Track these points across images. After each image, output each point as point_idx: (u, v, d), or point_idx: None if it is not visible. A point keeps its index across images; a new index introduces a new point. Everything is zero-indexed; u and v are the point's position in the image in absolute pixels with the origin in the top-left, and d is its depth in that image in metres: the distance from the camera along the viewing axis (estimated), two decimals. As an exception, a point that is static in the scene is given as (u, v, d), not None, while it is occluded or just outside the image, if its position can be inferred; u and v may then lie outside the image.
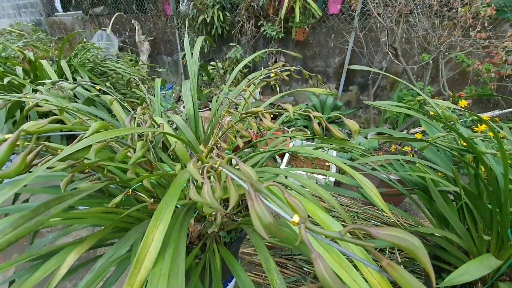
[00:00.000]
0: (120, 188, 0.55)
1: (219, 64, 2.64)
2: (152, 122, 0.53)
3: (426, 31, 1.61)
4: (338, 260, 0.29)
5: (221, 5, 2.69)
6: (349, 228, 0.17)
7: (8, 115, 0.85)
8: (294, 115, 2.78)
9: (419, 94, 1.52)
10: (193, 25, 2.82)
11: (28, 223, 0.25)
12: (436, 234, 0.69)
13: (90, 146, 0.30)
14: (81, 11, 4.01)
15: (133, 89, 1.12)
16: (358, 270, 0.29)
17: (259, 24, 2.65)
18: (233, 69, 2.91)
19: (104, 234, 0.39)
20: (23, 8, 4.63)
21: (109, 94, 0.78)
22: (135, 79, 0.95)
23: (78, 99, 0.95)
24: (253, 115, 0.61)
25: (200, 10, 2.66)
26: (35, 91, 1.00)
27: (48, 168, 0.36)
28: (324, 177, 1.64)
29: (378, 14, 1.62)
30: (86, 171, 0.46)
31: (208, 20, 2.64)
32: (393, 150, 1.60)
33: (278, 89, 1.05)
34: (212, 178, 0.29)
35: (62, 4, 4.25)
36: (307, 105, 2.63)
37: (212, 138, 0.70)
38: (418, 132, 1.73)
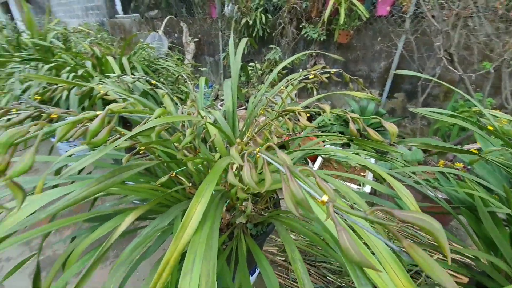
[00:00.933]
0: (165, 171, 0.62)
1: (258, 65, 2.70)
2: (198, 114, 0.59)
3: (488, 37, 1.44)
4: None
5: (264, 8, 2.75)
6: (373, 209, 0.18)
7: (79, 102, 1.01)
8: (330, 119, 2.69)
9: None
10: (236, 28, 2.93)
11: (99, 185, 0.31)
12: (481, 259, 0.62)
13: (153, 127, 0.36)
14: (138, 14, 4.46)
15: (179, 85, 1.22)
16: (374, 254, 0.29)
17: (300, 26, 2.65)
18: (271, 70, 2.95)
19: (152, 205, 0.45)
20: (90, 10, 5.31)
21: (161, 89, 0.86)
22: (183, 77, 1.04)
23: (134, 92, 1.07)
24: (289, 115, 0.63)
25: (244, 13, 2.75)
26: (102, 83, 1.16)
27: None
28: (358, 187, 1.57)
29: (433, 16, 1.50)
30: (141, 152, 0.53)
31: (251, 22, 2.72)
32: (441, 165, 1.46)
33: (315, 92, 1.04)
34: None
35: (123, 7, 4.78)
36: (345, 110, 2.53)
37: (248, 134, 0.73)
38: (473, 149, 1.55)
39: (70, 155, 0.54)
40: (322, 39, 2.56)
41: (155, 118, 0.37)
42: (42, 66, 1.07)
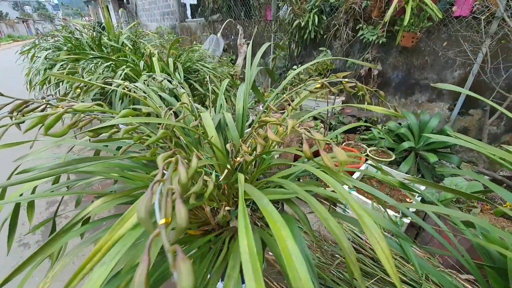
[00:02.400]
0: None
1: (299, 69, 2.58)
2: (190, 116, 0.58)
3: None
4: None
5: (319, 8, 2.61)
6: None
7: (121, 96, 1.14)
8: (379, 132, 2.39)
9: None
10: (287, 30, 2.88)
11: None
12: None
13: (112, 126, 0.36)
14: (203, 18, 4.84)
15: (212, 86, 1.26)
16: None
17: (357, 27, 2.42)
18: (319, 74, 2.79)
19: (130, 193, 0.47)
20: (166, 15, 6.02)
21: (183, 89, 0.89)
22: (207, 78, 1.06)
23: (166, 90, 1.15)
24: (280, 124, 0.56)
25: (297, 14, 2.67)
26: (146, 80, 1.28)
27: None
28: (397, 214, 1.34)
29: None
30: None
31: (303, 24, 2.63)
32: (508, 207, 1.12)
33: (368, 99, 0.91)
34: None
35: (191, 12, 5.27)
36: (399, 124, 2.20)
37: (251, 140, 0.69)
38: None
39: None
40: (381, 41, 2.28)
41: (120, 117, 0.37)
42: (101, 63, 1.26)
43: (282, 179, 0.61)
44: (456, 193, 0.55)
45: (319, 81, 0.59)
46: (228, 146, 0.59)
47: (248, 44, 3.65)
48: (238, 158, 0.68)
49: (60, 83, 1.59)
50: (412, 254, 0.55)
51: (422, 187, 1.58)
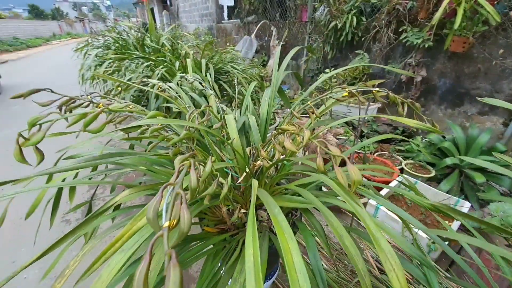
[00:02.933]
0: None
1: (332, 73, 2.48)
2: (214, 118, 0.59)
3: None
4: None
5: (359, 9, 2.49)
6: None
7: (155, 95, 1.22)
8: (418, 145, 2.22)
9: None
10: (323, 31, 2.80)
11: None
12: None
13: (140, 126, 0.39)
14: (238, 19, 4.95)
15: (240, 88, 1.28)
16: None
17: (400, 30, 2.25)
18: (354, 78, 2.66)
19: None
20: (204, 17, 6.27)
21: (211, 90, 0.92)
22: (235, 80, 1.08)
23: (196, 90, 1.19)
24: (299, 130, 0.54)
25: (334, 16, 2.58)
26: (179, 80, 1.34)
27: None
28: (429, 238, 1.22)
29: None
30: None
31: (339, 26, 2.53)
32: None
33: (404, 108, 0.86)
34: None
35: (228, 14, 5.41)
36: (443, 137, 2.00)
37: (272, 145, 0.68)
38: None
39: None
40: (427, 45, 2.10)
41: (148, 118, 0.40)
42: (142, 63, 1.36)
43: (299, 187, 0.59)
44: (486, 225, 0.48)
45: (347, 89, 0.56)
46: (248, 150, 0.60)
47: (281, 45, 3.64)
48: (258, 162, 0.68)
49: (107, 79, 1.76)
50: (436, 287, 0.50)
51: (465, 208, 1.41)
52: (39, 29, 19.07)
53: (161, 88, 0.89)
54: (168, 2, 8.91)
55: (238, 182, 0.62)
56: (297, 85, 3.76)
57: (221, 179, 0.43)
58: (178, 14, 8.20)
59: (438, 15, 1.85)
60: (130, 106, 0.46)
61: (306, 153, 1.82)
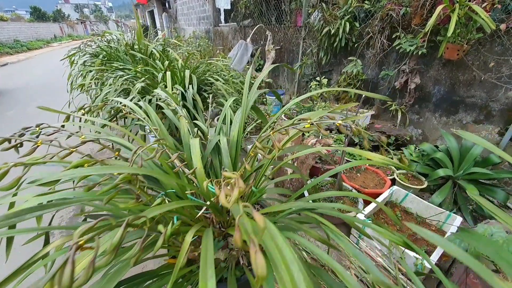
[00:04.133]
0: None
1: (324, 81, 2.44)
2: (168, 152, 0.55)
3: None
4: None
5: (352, 15, 2.45)
6: None
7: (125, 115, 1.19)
8: (411, 154, 2.16)
9: None
10: (316, 37, 2.76)
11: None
12: None
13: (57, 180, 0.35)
14: (235, 23, 4.91)
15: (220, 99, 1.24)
16: None
17: (393, 36, 2.21)
18: (348, 84, 2.62)
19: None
20: (201, 20, 6.25)
21: (181, 112, 0.88)
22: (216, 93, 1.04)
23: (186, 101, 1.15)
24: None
25: (327, 21, 2.54)
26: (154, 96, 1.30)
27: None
28: (418, 256, 1.17)
29: None
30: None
31: (333, 31, 2.49)
32: None
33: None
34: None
35: (225, 17, 5.38)
36: (436, 147, 1.95)
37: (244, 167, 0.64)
38: None
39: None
40: (420, 53, 2.05)
41: (71, 167, 0.36)
42: (120, 76, 1.33)
43: (266, 215, 0.55)
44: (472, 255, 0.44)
45: (309, 121, 0.52)
46: (215, 182, 0.56)
47: (276, 49, 3.60)
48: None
49: (93, 88, 1.72)
50: None
51: (454, 226, 1.37)
52: (40, 31, 19.17)
53: (130, 108, 0.85)
54: (167, 5, 8.90)
55: (198, 216, 0.58)
56: (292, 89, 3.71)
57: (160, 226, 0.39)
58: (176, 17, 8.19)
59: (431, 21, 1.80)
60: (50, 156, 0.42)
61: (296, 163, 1.78)
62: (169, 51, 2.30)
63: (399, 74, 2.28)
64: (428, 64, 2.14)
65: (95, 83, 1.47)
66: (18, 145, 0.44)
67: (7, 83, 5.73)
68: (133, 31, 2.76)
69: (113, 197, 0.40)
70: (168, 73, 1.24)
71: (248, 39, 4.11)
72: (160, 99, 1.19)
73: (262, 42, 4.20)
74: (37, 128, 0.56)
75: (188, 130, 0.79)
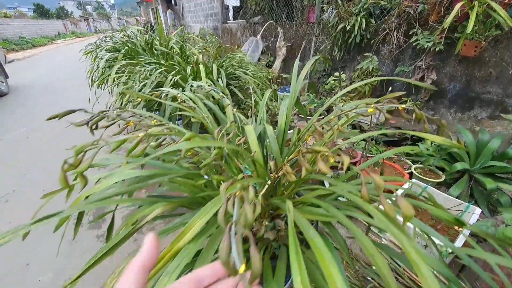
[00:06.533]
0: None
1: (343, 76, 2.48)
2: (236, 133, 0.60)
3: None
4: None
5: (368, 11, 2.48)
6: None
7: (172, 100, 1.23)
8: (428, 149, 2.20)
9: None
10: (330, 33, 2.79)
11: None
12: None
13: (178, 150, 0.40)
14: (244, 20, 4.94)
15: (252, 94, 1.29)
16: None
17: (410, 33, 2.24)
18: (362, 80, 2.65)
19: (183, 202, 0.52)
20: (209, 17, 6.27)
21: (229, 100, 0.92)
22: (250, 89, 1.08)
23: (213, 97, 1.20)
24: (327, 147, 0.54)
25: (342, 18, 2.57)
26: (191, 86, 1.35)
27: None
28: (442, 244, 1.21)
29: None
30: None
31: (348, 28, 2.52)
32: None
33: (427, 127, 0.85)
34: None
35: (233, 14, 5.40)
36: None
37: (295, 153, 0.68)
38: None
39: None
40: (438, 49, 2.08)
41: (184, 140, 0.40)
42: (155, 70, 1.37)
43: (319, 199, 0.60)
44: (491, 238, 0.48)
45: (372, 105, 0.56)
46: (272, 165, 0.60)
47: (287, 46, 3.63)
48: (278, 174, 0.68)
49: (116, 82, 1.77)
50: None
51: (475, 215, 1.41)
52: (44, 28, 19.21)
53: (180, 98, 0.89)
54: (173, 2, 8.91)
55: (261, 193, 0.62)
56: (303, 86, 3.75)
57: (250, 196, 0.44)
58: (183, 14, 8.21)
59: (450, 18, 1.83)
60: (167, 126, 0.46)
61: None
62: (187, 46, 2.34)
63: (415, 70, 2.31)
64: (444, 61, 2.17)
65: (126, 76, 1.52)
66: (94, 126, 0.48)
67: (15, 80, 5.78)
68: (146, 29, 2.79)
69: (208, 164, 0.45)
70: (201, 66, 1.28)
71: (259, 36, 4.14)
72: (194, 91, 1.23)
73: (272, 39, 4.23)
74: (115, 112, 0.61)
75: (238, 117, 0.83)
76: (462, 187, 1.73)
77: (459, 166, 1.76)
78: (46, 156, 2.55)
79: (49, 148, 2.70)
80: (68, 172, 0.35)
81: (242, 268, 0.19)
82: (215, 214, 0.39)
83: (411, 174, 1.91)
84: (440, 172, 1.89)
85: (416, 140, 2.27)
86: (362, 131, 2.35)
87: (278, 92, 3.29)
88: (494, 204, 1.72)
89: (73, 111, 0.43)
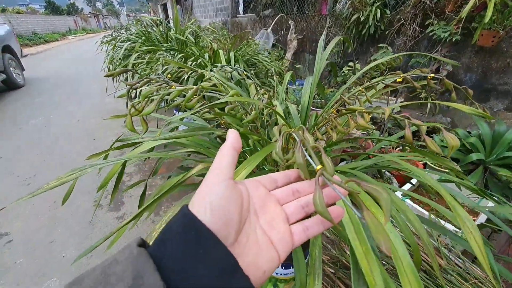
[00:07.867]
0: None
1: (358, 66, 2.48)
2: (269, 103, 0.63)
3: None
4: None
5: (382, 2, 2.46)
6: (349, 179, 0.23)
7: (194, 83, 1.27)
8: (442, 140, 2.20)
9: None
10: (344, 25, 2.78)
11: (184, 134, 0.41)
12: None
13: (226, 102, 0.43)
14: (254, 14, 4.94)
15: (269, 79, 1.32)
16: None
17: (426, 23, 2.22)
18: (375, 71, 2.64)
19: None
20: (219, 11, 6.29)
21: (251, 79, 0.96)
22: (272, 72, 1.11)
23: (232, 80, 1.23)
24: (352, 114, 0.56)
25: (357, 8, 2.56)
26: (211, 70, 1.38)
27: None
28: (457, 230, 1.23)
29: None
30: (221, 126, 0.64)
31: (362, 19, 2.51)
32: None
33: (454, 96, 0.86)
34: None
35: (243, 8, 5.41)
36: (468, 132, 1.98)
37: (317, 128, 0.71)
38: None
39: (181, 119, 0.71)
40: (454, 39, 2.06)
41: (229, 96, 0.44)
42: (176, 55, 1.41)
43: (355, 170, 0.62)
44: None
45: (401, 75, 0.59)
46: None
47: (298, 39, 3.63)
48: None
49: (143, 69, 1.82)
50: (493, 261, 0.53)
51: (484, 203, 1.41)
52: (56, 24, 19.57)
53: (210, 80, 0.93)
54: (182, -3, 8.96)
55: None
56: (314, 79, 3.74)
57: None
58: (192, 9, 8.25)
59: (467, 8, 1.81)
60: (214, 82, 0.50)
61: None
62: (200, 36, 2.38)
63: (431, 61, 2.29)
64: (461, 51, 2.15)
65: (147, 62, 1.56)
66: (133, 94, 0.52)
67: (30, 73, 5.94)
68: (160, 21, 2.83)
69: (250, 120, 0.48)
70: (221, 51, 1.32)
71: (269, 29, 4.14)
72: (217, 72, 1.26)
73: (282, 32, 4.23)
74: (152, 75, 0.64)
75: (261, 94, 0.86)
76: (476, 178, 1.73)
77: (474, 156, 1.75)
78: (63, 143, 2.64)
79: (66, 135, 2.80)
80: (134, 116, 0.39)
81: (318, 167, 0.22)
82: (265, 159, 0.42)
83: (425, 165, 1.91)
84: (455, 163, 1.88)
85: (431, 132, 2.26)
86: (375, 123, 2.35)
87: (288, 86, 3.30)
88: (509, 196, 1.71)
89: (127, 71, 0.47)
